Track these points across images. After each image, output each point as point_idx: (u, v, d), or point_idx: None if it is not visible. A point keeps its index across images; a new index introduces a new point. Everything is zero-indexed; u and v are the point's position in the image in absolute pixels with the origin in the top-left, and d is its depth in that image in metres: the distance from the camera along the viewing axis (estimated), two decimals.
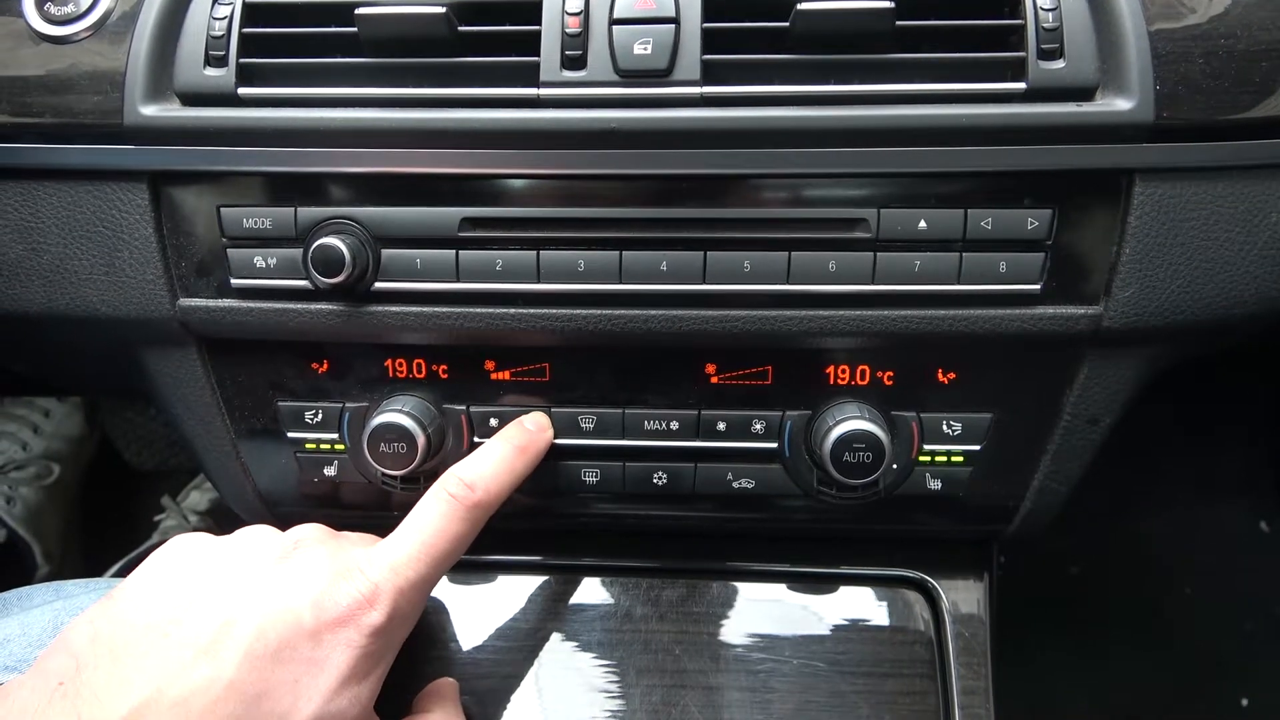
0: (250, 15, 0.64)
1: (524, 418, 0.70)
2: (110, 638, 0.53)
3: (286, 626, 0.53)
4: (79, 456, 1.57)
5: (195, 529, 1.43)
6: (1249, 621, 1.41)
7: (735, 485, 0.71)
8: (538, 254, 0.65)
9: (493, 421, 0.70)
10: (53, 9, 0.66)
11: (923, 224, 0.63)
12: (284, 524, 0.63)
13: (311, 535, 0.61)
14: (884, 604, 0.75)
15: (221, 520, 1.47)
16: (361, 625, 0.55)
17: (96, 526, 1.59)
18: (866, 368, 0.69)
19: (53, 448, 1.52)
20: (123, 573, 1.37)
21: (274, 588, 0.55)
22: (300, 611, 0.54)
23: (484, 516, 0.63)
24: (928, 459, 0.70)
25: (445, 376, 0.71)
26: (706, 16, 0.62)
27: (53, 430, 1.53)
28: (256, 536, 0.60)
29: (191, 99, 0.65)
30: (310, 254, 0.63)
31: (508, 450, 0.66)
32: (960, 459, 0.70)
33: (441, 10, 0.61)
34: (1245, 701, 1.37)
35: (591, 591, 0.76)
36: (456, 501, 0.61)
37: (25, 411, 1.52)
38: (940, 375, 0.68)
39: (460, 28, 0.62)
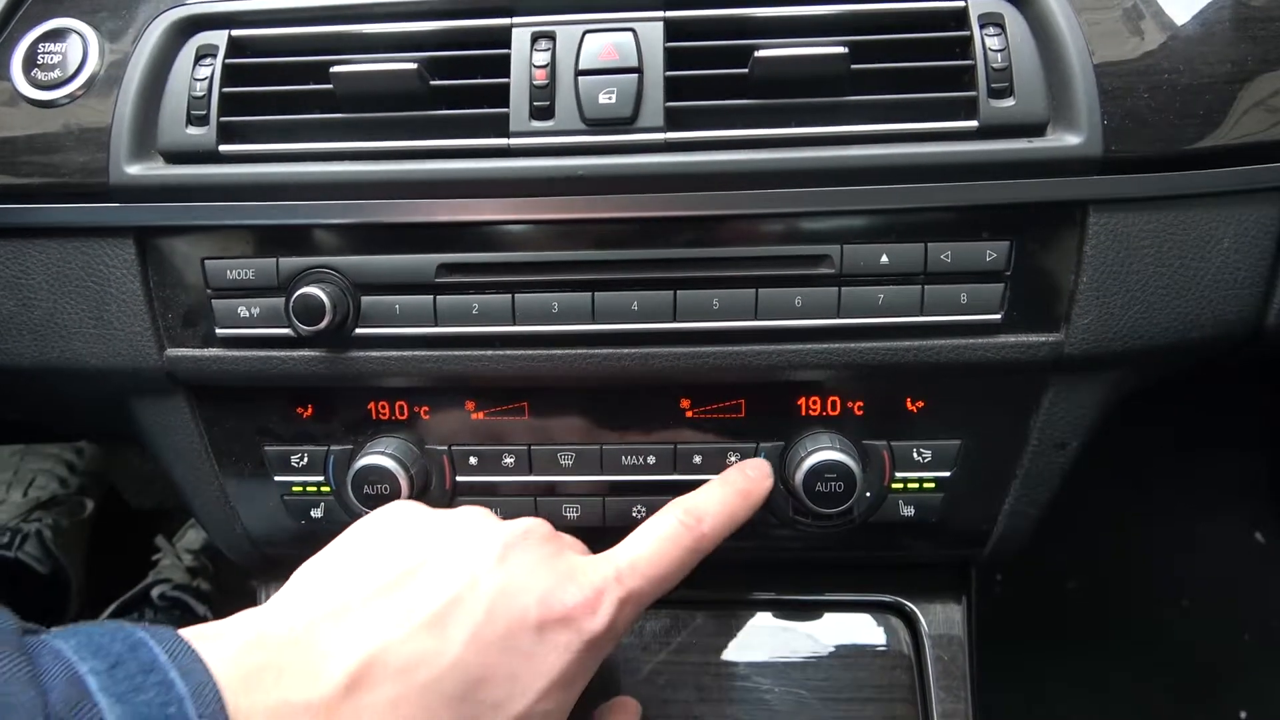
0: (230, 75, 0.67)
1: (745, 463, 0.69)
2: (333, 591, 0.52)
3: (514, 615, 0.52)
4: (98, 493, 1.59)
5: (189, 568, 1.45)
6: (1247, 632, 1.42)
7: None
8: (513, 297, 0.66)
9: (473, 460, 0.72)
10: (40, 74, 0.68)
11: (884, 259, 0.64)
12: (273, 564, 0.63)
13: (540, 531, 0.59)
14: (865, 629, 0.76)
15: (215, 559, 1.48)
16: (582, 629, 0.53)
17: (103, 563, 1.61)
18: (837, 398, 0.70)
19: (85, 484, 1.56)
20: (118, 614, 1.37)
21: (503, 574, 0.54)
22: (527, 603, 0.53)
23: (703, 552, 0.61)
24: (900, 486, 0.71)
25: (427, 418, 0.72)
26: (668, 65, 0.64)
27: (84, 467, 1.57)
28: (485, 519, 0.59)
29: (175, 157, 0.67)
30: (292, 303, 0.65)
31: (729, 493, 0.65)
32: (932, 485, 0.71)
33: (413, 66, 0.63)
34: (1244, 714, 1.37)
35: None
36: (685, 529, 0.60)
37: (58, 449, 1.56)
38: (909, 404, 0.70)
39: (432, 81, 0.65)
